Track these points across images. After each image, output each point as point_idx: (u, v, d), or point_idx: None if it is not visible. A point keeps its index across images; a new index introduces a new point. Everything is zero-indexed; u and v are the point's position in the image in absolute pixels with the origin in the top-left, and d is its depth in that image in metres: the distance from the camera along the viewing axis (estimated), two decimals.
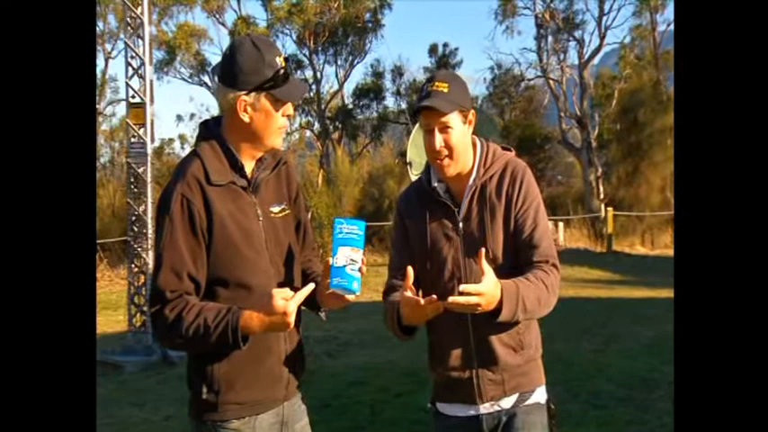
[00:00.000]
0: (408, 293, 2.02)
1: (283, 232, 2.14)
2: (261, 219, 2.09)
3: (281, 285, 2.04)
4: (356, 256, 2.03)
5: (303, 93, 2.19)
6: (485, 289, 1.95)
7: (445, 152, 2.15)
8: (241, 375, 2.04)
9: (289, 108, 2.09)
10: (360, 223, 2.06)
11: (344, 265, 2.02)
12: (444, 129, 2.14)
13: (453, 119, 2.14)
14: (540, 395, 2.22)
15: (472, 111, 2.20)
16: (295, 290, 2.00)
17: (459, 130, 2.16)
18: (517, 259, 2.15)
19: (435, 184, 2.24)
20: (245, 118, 2.04)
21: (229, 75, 2.03)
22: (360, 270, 2.02)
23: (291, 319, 1.93)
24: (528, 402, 2.19)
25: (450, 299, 1.95)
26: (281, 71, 2.03)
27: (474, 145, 2.24)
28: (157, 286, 1.98)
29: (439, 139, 2.14)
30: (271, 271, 2.08)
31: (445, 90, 2.13)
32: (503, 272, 2.09)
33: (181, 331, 1.94)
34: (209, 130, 2.13)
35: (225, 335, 1.92)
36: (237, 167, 2.07)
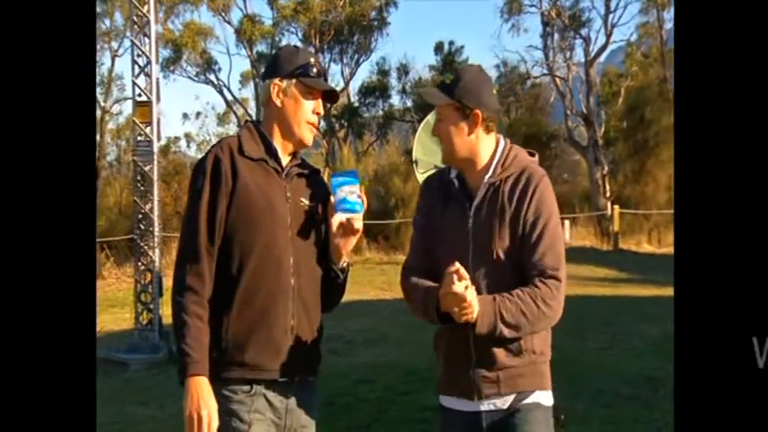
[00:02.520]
0: (455, 286, 1.98)
1: (311, 223, 2.26)
2: (289, 201, 2.22)
3: (298, 263, 2.19)
4: (354, 188, 2.24)
5: (332, 89, 2.33)
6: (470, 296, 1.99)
7: (439, 139, 2.25)
8: (248, 337, 2.15)
9: (319, 105, 2.28)
10: (352, 171, 2.34)
11: (344, 197, 2.23)
12: (440, 118, 2.24)
13: (445, 111, 2.21)
14: (540, 397, 2.20)
15: (478, 110, 2.19)
16: (313, 275, 2.23)
17: (453, 124, 2.20)
18: (522, 268, 2.14)
19: (453, 177, 2.26)
20: (278, 102, 2.25)
21: (269, 67, 2.32)
22: (359, 197, 2.23)
23: None
24: (526, 401, 2.17)
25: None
26: (314, 65, 2.26)
27: (497, 143, 2.25)
28: (181, 272, 2.16)
29: (435, 126, 2.26)
30: (289, 247, 2.19)
31: (448, 81, 2.22)
32: (507, 274, 2.12)
33: (177, 316, 2.13)
34: (252, 123, 2.34)
35: (179, 362, 2.12)
36: (272, 152, 2.25)
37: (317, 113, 2.28)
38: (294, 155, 2.31)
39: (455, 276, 1.97)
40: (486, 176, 2.21)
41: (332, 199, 2.24)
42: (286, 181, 2.24)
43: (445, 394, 2.29)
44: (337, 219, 2.22)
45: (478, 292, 2.08)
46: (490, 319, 2.04)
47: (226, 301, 2.16)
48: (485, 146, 2.23)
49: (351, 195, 2.24)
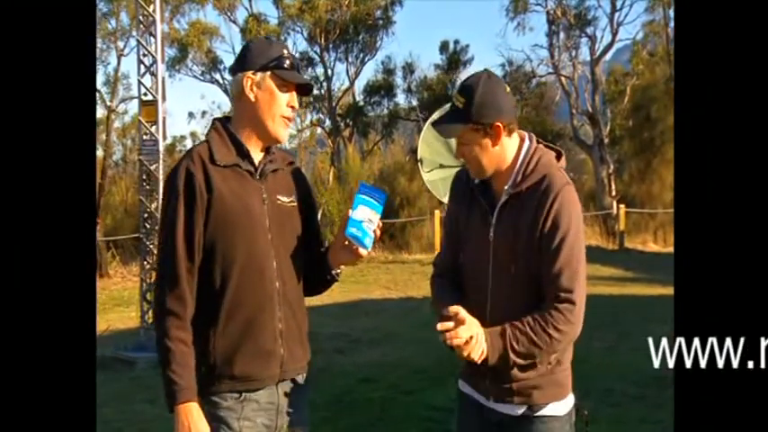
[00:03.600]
0: (455, 341, 1.97)
1: (290, 220, 2.21)
2: (266, 202, 2.16)
3: (281, 265, 2.15)
4: (374, 217, 2.15)
5: (308, 82, 2.25)
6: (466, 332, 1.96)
7: (466, 162, 2.17)
8: (236, 350, 2.12)
9: (294, 98, 2.20)
10: (382, 195, 2.18)
11: (362, 220, 2.14)
12: (460, 143, 2.15)
13: (468, 134, 2.10)
14: (554, 409, 2.15)
15: (498, 123, 2.09)
16: (297, 273, 2.18)
17: (477, 144, 2.10)
18: (540, 285, 2.08)
19: (476, 182, 2.20)
20: (251, 96, 2.17)
21: (240, 60, 2.21)
22: (374, 231, 2.15)
23: None
24: (540, 413, 2.13)
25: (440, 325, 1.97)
26: (287, 57, 2.18)
27: (521, 142, 2.17)
28: (161, 295, 2.10)
29: (458, 150, 2.17)
30: (270, 251, 2.14)
31: (460, 105, 2.09)
32: (524, 286, 2.07)
33: (160, 341, 2.08)
34: (220, 122, 2.25)
35: (166, 389, 2.06)
36: (243, 153, 2.17)
37: (292, 107, 2.20)
38: (267, 150, 2.23)
39: (452, 325, 1.95)
40: (507, 186, 2.12)
41: (348, 212, 2.16)
42: (261, 181, 2.17)
43: (463, 381, 2.29)
44: (343, 238, 2.17)
45: (495, 306, 2.07)
46: (501, 353, 2.01)
47: (210, 316, 2.11)
48: (510, 150, 2.14)
49: (368, 224, 2.15)
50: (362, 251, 2.16)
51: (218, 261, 2.09)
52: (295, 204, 2.24)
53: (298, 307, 2.23)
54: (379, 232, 2.16)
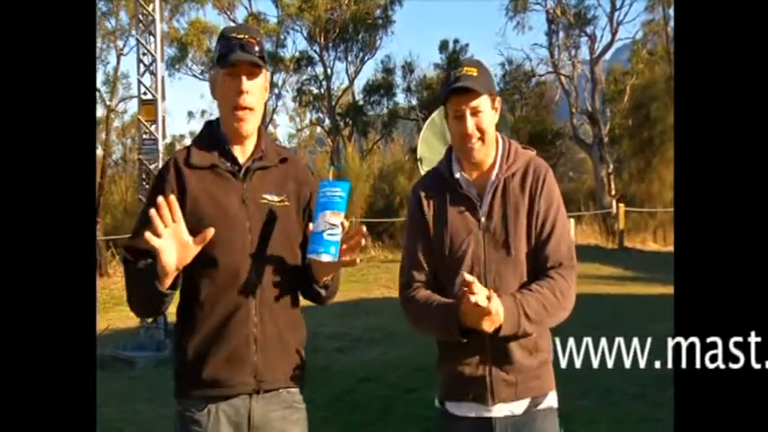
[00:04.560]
0: (474, 298, 1.95)
1: (279, 220, 2.10)
2: (246, 202, 2.07)
3: (261, 268, 2.05)
4: (336, 220, 1.97)
5: (242, 57, 2.02)
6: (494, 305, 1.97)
7: (477, 135, 2.13)
8: (207, 353, 2.03)
9: (242, 83, 2.02)
10: (343, 184, 2.03)
11: (322, 231, 1.97)
12: (476, 112, 2.13)
13: (484, 102, 2.14)
14: (552, 400, 2.18)
15: (498, 98, 2.21)
16: (282, 277, 2.07)
17: (489, 114, 2.16)
18: (535, 260, 2.13)
19: (457, 176, 2.20)
20: (214, 96, 2.13)
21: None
22: (337, 235, 1.97)
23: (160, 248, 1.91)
24: (541, 407, 2.15)
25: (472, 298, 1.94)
26: (228, 39, 2.04)
27: (496, 139, 2.22)
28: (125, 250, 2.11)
29: (471, 123, 2.12)
30: (248, 252, 2.04)
31: (474, 74, 2.13)
32: (521, 268, 2.11)
33: (128, 284, 2.07)
34: (208, 124, 2.21)
35: (142, 277, 2.00)
36: (225, 153, 2.10)
37: (240, 92, 2.02)
38: (259, 146, 2.13)
39: (474, 288, 1.94)
40: (494, 173, 2.17)
41: (310, 227, 2.00)
42: (244, 181, 2.08)
43: (453, 400, 2.17)
44: (308, 257, 1.99)
45: (494, 289, 2.06)
46: (515, 318, 2.02)
47: (187, 315, 2.07)
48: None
49: (330, 231, 1.96)
50: (329, 259, 1.97)
51: (195, 261, 1.98)
52: (287, 203, 2.12)
53: (282, 314, 2.09)
54: (345, 227, 1.98)
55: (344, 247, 2.00)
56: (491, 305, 1.95)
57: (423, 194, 2.24)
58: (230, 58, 2.01)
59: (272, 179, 2.13)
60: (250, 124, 2.08)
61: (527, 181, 2.17)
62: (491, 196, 2.16)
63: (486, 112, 2.14)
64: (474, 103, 2.11)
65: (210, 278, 2.03)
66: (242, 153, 2.12)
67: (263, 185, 2.10)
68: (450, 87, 2.11)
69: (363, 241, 2.04)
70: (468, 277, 1.97)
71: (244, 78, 2.03)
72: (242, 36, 2.04)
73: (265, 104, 2.23)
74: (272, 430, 2.07)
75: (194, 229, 1.97)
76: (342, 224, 1.98)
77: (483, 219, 2.15)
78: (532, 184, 2.16)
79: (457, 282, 2.07)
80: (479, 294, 1.94)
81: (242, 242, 2.04)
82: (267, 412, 2.07)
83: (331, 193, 2.01)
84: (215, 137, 2.13)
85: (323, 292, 2.14)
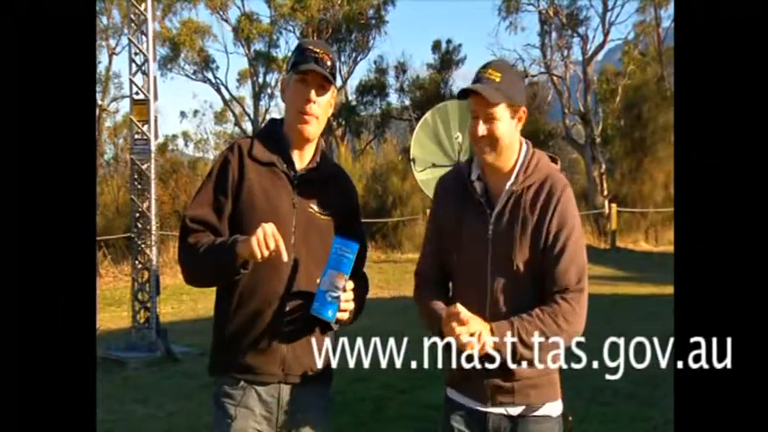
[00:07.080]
0: (461, 336, 1.97)
1: (321, 232, 2.21)
2: (295, 206, 2.18)
3: (299, 269, 2.15)
4: (339, 283, 2.09)
5: (313, 69, 2.18)
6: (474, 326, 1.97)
7: (487, 141, 2.09)
8: (241, 338, 2.17)
9: (309, 92, 2.18)
10: (353, 245, 2.11)
11: (326, 291, 2.09)
12: (489, 119, 2.08)
13: (500, 111, 2.07)
14: (550, 409, 2.16)
15: (524, 108, 2.13)
16: (315, 283, 2.13)
17: (506, 123, 2.09)
18: (542, 282, 2.09)
19: (474, 180, 2.17)
20: (283, 97, 2.28)
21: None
22: (338, 298, 2.09)
23: (265, 239, 2.00)
24: (537, 413, 2.14)
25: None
26: (305, 50, 2.21)
27: (520, 146, 2.17)
28: (184, 220, 2.21)
29: (482, 128, 2.09)
30: (290, 252, 2.12)
31: (497, 79, 2.06)
32: (526, 284, 2.07)
33: (195, 251, 2.13)
34: (273, 122, 2.33)
35: (223, 252, 2.09)
36: (284, 155, 2.22)
37: (309, 100, 2.18)
38: (315, 157, 2.26)
39: (461, 318, 1.95)
40: (508, 184, 2.12)
41: (317, 281, 2.13)
42: (297, 187, 2.20)
43: (455, 390, 2.23)
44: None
45: (496, 302, 2.06)
46: (510, 344, 2.00)
47: (229, 299, 2.19)
48: (517, 144, 2.16)
49: (331, 293, 2.09)
50: (327, 320, 2.12)
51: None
52: (331, 220, 2.24)
53: (313, 317, 2.16)
54: (344, 296, 2.11)
55: (340, 308, 2.13)
56: (473, 339, 1.95)
57: (441, 191, 2.27)
58: (303, 67, 2.18)
59: (322, 192, 2.24)
60: (313, 128, 2.21)
61: (540, 197, 2.10)
62: (502, 206, 2.12)
63: (501, 120, 2.08)
64: (490, 110, 2.06)
65: (252, 269, 2.12)
66: (300, 159, 2.25)
67: (312, 195, 2.22)
68: (465, 87, 2.07)
69: (352, 304, 2.18)
70: (457, 308, 1.97)
71: (313, 89, 2.19)
72: (318, 50, 2.20)
73: (328, 120, 2.36)
74: (300, 411, 2.21)
75: (247, 219, 2.13)
76: (344, 287, 2.10)
77: (492, 227, 2.12)
78: (545, 201, 2.09)
79: (445, 311, 2.04)
80: (463, 330, 1.95)
81: (286, 242, 2.09)
82: (295, 396, 2.21)
83: (341, 252, 2.10)
84: (278, 136, 2.26)
85: (334, 327, 2.25)
